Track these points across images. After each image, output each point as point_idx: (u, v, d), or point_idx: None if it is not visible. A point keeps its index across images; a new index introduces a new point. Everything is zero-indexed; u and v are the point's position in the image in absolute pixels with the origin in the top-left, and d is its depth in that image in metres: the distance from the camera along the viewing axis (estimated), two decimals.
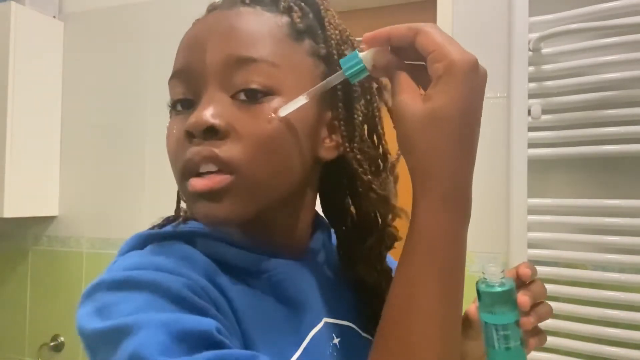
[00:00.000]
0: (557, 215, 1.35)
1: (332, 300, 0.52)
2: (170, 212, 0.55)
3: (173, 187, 0.50)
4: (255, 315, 0.44)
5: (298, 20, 0.48)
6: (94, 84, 1.98)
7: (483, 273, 0.45)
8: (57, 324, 1.97)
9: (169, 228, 0.50)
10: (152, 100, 1.88)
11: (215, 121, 0.42)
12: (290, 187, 0.48)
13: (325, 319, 0.50)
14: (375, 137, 0.52)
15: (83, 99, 2.00)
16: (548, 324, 1.31)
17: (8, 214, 1.81)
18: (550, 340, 1.33)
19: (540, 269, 1.33)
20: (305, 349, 0.46)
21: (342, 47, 0.50)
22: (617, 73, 1.27)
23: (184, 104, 0.46)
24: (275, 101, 0.44)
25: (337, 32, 0.50)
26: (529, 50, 1.36)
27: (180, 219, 0.52)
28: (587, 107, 1.32)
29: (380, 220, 0.53)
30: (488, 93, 1.73)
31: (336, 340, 0.50)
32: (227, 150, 0.42)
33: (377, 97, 0.52)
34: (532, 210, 1.36)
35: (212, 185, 0.42)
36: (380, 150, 0.53)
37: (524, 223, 1.34)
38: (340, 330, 0.51)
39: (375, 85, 0.52)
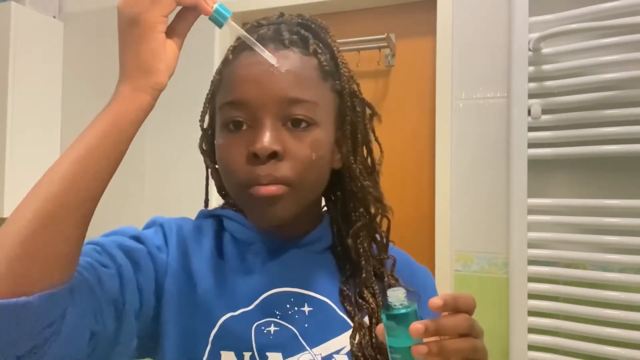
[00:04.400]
0: (557, 215, 1.35)
1: (312, 277, 0.63)
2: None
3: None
4: (225, 271, 0.61)
5: (325, 63, 0.60)
6: (94, 84, 1.98)
7: (388, 296, 0.47)
8: None
9: (209, 210, 0.69)
10: None
11: (277, 147, 0.55)
12: (320, 192, 0.64)
13: (297, 289, 0.61)
14: (366, 151, 0.65)
15: (83, 99, 2.00)
16: (548, 323, 1.32)
17: (8, 214, 1.81)
18: (550, 340, 1.33)
19: (540, 269, 1.34)
20: (258, 305, 0.59)
21: (350, 82, 0.63)
22: (617, 73, 1.27)
23: (235, 125, 0.58)
24: (315, 131, 0.58)
25: (346, 69, 0.63)
26: (529, 50, 1.36)
27: (223, 204, 0.71)
28: (587, 107, 1.32)
29: (366, 213, 0.65)
30: (488, 93, 1.72)
31: (307, 309, 0.61)
32: (283, 169, 0.56)
33: (369, 121, 0.65)
34: (532, 210, 1.36)
35: (272, 192, 0.55)
36: (369, 161, 0.66)
37: (524, 223, 1.34)
38: (315, 303, 0.61)
39: (369, 112, 0.65)
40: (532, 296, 1.35)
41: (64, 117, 2.03)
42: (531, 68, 1.36)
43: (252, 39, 0.55)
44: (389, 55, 1.68)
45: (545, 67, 1.36)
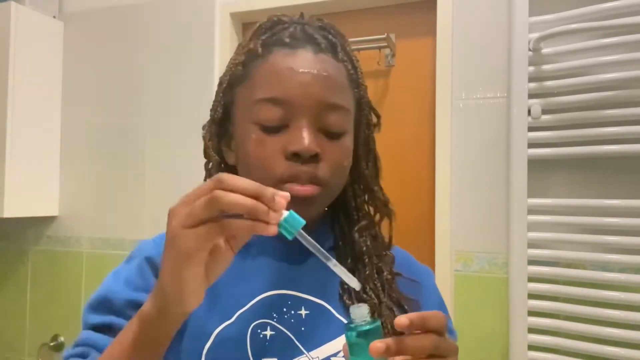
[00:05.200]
0: (557, 215, 1.35)
1: (311, 280, 0.63)
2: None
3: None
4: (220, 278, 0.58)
5: (352, 71, 0.62)
6: (93, 84, 1.98)
7: (351, 312, 0.46)
8: (57, 324, 1.97)
9: None
10: (152, 100, 1.88)
11: (318, 150, 0.57)
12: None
13: (295, 292, 0.61)
14: (372, 159, 0.68)
15: (83, 99, 2.00)
16: (548, 323, 1.32)
17: (8, 214, 1.81)
18: (550, 340, 1.33)
19: (540, 269, 1.34)
20: (254, 305, 0.59)
21: (365, 91, 0.65)
22: (617, 73, 1.27)
23: (271, 121, 0.58)
24: (346, 137, 0.61)
25: (363, 80, 0.65)
26: (529, 50, 1.36)
27: None
28: (587, 107, 1.32)
29: (369, 214, 0.68)
30: (488, 93, 1.73)
31: (304, 312, 0.60)
32: (321, 170, 0.58)
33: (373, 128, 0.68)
34: (532, 210, 1.36)
35: (309, 193, 0.57)
36: (376, 168, 0.68)
37: (524, 223, 1.34)
38: (312, 306, 0.61)
39: (374, 119, 0.67)
40: (532, 296, 1.35)
41: (64, 117, 2.03)
42: (531, 68, 1.36)
43: (331, 259, 0.48)
44: (389, 55, 1.68)
45: (545, 67, 1.36)
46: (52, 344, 1.96)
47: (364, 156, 0.66)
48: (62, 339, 1.96)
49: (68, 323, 1.95)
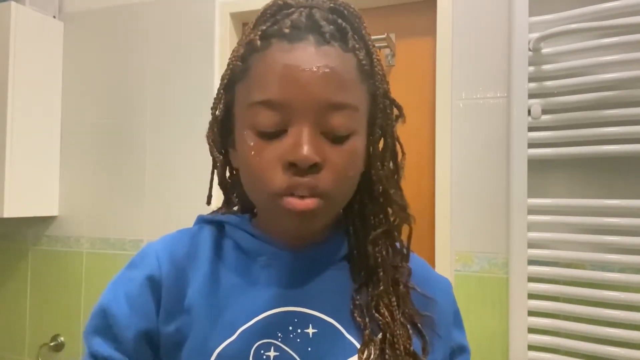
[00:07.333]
0: (557, 215, 1.35)
1: (321, 295, 0.58)
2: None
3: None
4: (223, 291, 0.57)
5: (364, 62, 0.55)
6: (93, 84, 1.98)
7: None
8: (57, 324, 1.97)
9: (209, 216, 0.65)
10: (152, 100, 1.88)
11: (318, 159, 0.51)
12: (348, 200, 0.59)
13: (303, 309, 0.57)
14: (390, 154, 0.61)
15: (83, 99, 2.00)
16: (548, 323, 1.32)
17: (8, 214, 1.81)
18: (550, 340, 1.33)
19: (540, 268, 1.34)
20: (259, 322, 0.55)
21: (383, 82, 0.58)
22: (617, 73, 1.27)
23: (268, 127, 0.52)
24: (355, 139, 0.54)
25: (380, 67, 0.58)
26: (529, 50, 1.36)
27: (222, 209, 0.67)
28: (587, 107, 1.32)
29: (386, 219, 0.62)
30: (488, 93, 1.72)
31: (311, 330, 0.56)
32: (322, 181, 0.52)
33: (395, 122, 0.61)
34: (532, 210, 1.36)
35: (309, 207, 0.51)
36: (392, 164, 0.62)
37: (524, 223, 1.34)
38: (320, 324, 0.57)
39: (396, 113, 0.60)
40: (532, 296, 1.35)
41: (64, 117, 2.03)
42: (531, 68, 1.36)
43: None
44: (389, 55, 1.68)
45: (545, 67, 1.36)
46: (52, 344, 1.95)
47: (380, 155, 0.59)
48: (62, 339, 1.96)
49: (68, 323, 1.95)
